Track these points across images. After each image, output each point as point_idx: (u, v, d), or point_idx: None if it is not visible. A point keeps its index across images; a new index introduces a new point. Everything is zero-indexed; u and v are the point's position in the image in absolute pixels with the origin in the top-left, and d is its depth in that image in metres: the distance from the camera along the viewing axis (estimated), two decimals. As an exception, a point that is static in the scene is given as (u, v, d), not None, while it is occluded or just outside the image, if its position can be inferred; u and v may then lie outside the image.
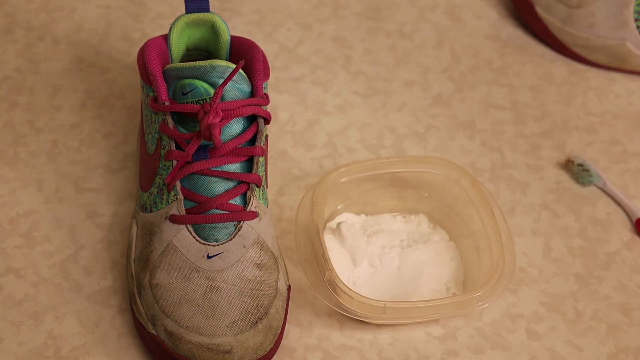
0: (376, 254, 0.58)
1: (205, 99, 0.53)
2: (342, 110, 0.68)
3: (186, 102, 0.54)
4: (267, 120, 0.56)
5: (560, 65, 0.73)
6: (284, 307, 0.53)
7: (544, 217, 0.63)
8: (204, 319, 0.50)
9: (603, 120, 0.69)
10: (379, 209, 0.61)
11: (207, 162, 0.53)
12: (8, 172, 0.62)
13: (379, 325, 0.56)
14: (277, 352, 0.53)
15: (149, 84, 0.55)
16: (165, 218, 0.53)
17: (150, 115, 0.56)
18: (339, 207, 0.61)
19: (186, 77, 0.53)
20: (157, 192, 0.54)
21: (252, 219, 0.53)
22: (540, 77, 0.72)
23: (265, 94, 0.55)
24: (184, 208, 0.53)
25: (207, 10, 0.58)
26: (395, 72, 0.71)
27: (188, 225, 0.52)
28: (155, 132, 0.55)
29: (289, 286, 0.55)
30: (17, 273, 0.57)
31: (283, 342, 0.54)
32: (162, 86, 0.54)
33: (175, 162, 0.53)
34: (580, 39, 0.72)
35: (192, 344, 0.50)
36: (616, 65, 0.72)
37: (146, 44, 0.56)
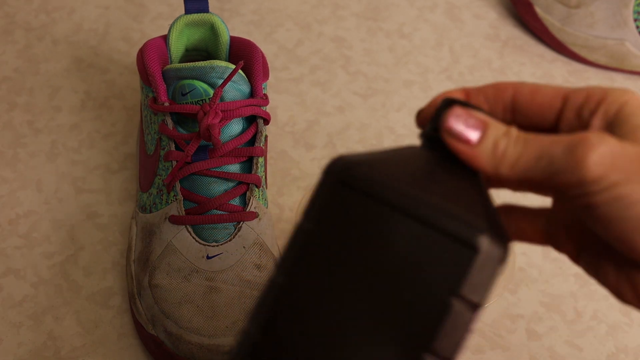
0: (376, 254, 0.58)
1: (205, 99, 0.53)
2: (342, 111, 0.68)
3: (186, 103, 0.54)
4: (266, 121, 0.56)
5: (560, 65, 0.73)
6: (284, 308, 0.53)
7: (543, 217, 0.63)
8: (204, 319, 0.50)
9: (602, 120, 0.69)
10: (379, 209, 0.61)
11: (206, 162, 0.53)
12: (8, 173, 0.62)
13: (378, 326, 0.56)
14: (277, 353, 0.53)
15: (148, 84, 0.55)
16: (165, 219, 0.53)
17: (150, 116, 0.56)
18: (338, 208, 0.61)
19: (186, 78, 0.53)
20: (157, 192, 0.54)
21: (252, 219, 0.53)
22: (539, 77, 0.72)
23: (265, 95, 0.55)
24: (183, 209, 0.53)
25: (206, 10, 0.58)
26: (394, 72, 0.71)
27: (188, 226, 0.52)
28: (154, 132, 0.55)
29: (289, 286, 0.55)
30: (17, 274, 0.57)
31: (283, 342, 0.54)
32: (161, 87, 0.54)
33: (174, 163, 0.53)
34: (579, 39, 0.72)
35: (192, 344, 0.50)
36: (615, 65, 0.72)
37: (146, 44, 0.56)
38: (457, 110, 0.34)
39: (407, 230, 0.30)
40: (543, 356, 0.55)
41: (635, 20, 0.70)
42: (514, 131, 0.34)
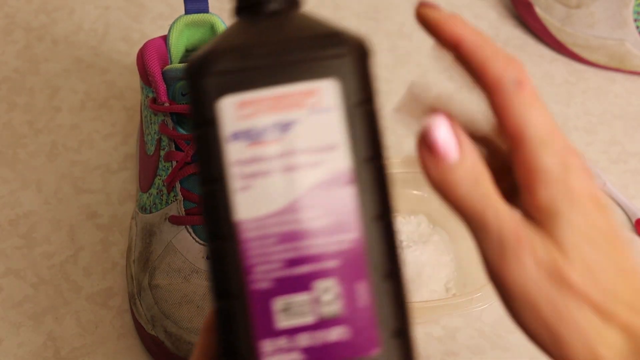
0: (376, 255, 0.58)
1: (205, 99, 0.53)
2: (342, 111, 0.68)
3: (186, 103, 0.54)
4: (266, 121, 0.55)
5: (560, 66, 0.73)
6: (284, 308, 0.53)
7: (543, 217, 0.63)
8: (204, 320, 0.50)
9: (602, 121, 0.69)
10: (379, 210, 0.61)
11: (206, 163, 0.53)
12: (8, 173, 0.62)
13: (378, 326, 0.56)
14: (277, 353, 0.53)
15: (148, 84, 0.55)
16: (165, 219, 0.53)
17: (150, 116, 0.56)
18: (338, 208, 0.61)
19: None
20: (157, 193, 0.54)
21: (252, 219, 0.53)
22: (539, 78, 0.72)
23: (265, 95, 0.55)
24: (183, 209, 0.53)
25: (206, 11, 0.58)
26: (394, 72, 0.71)
27: (188, 226, 0.52)
28: (154, 133, 0.55)
29: (289, 287, 0.55)
30: (17, 274, 0.57)
31: (283, 342, 0.54)
32: (161, 87, 0.54)
33: (174, 163, 0.53)
34: (579, 39, 0.72)
35: (192, 344, 0.50)
36: (615, 66, 0.72)
37: (145, 44, 0.56)
38: (444, 121, 0.30)
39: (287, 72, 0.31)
40: (543, 356, 0.55)
41: (635, 20, 0.70)
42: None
